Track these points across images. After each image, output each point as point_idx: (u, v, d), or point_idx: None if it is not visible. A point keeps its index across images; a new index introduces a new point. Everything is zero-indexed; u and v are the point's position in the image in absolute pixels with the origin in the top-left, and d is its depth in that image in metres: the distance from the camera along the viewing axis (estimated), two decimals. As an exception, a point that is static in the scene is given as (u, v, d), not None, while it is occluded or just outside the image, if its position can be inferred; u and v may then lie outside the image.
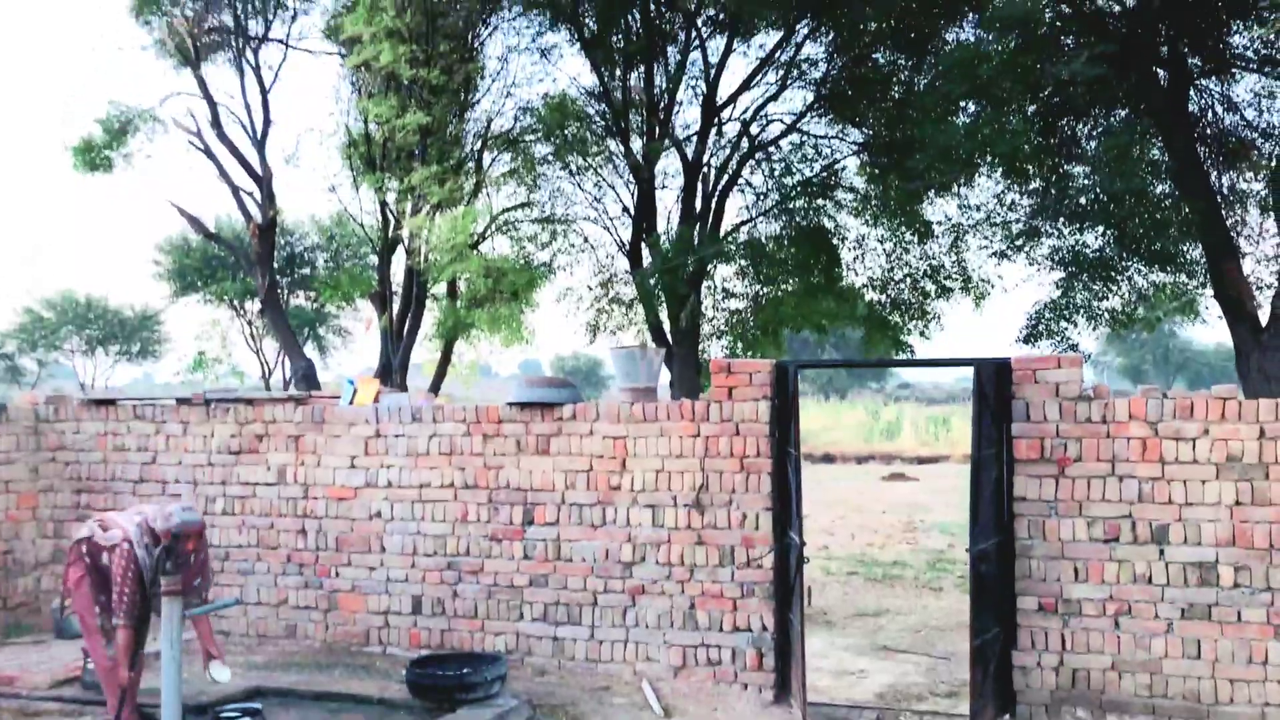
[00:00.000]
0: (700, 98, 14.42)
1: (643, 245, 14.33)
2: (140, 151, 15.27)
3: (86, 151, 15.02)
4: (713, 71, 14.18)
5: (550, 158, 14.51)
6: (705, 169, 14.34)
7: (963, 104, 12.14)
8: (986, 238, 14.08)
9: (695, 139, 14.26)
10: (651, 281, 13.41)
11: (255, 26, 15.16)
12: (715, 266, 14.59)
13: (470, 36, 14.23)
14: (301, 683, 7.39)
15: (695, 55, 14.17)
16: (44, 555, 9.23)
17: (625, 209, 14.88)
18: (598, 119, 14.45)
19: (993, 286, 14.80)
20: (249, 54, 15.14)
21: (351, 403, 8.72)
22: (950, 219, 14.57)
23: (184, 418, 9.03)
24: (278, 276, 19.62)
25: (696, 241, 13.57)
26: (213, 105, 14.97)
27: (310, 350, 26.71)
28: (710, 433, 7.52)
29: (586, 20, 14.11)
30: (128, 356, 40.58)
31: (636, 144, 14.15)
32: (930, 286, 14.84)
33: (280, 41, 15.27)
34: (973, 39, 12.53)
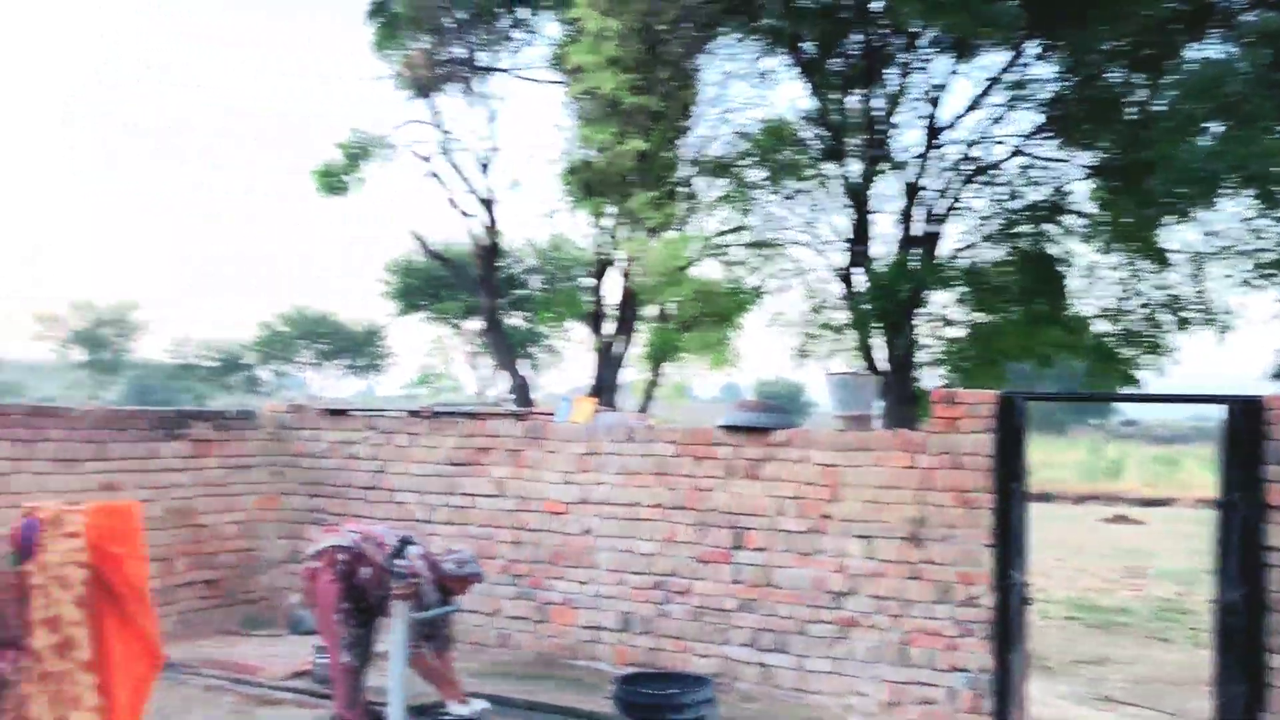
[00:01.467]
0: (921, 120, 14.11)
1: (857, 270, 14.12)
2: (374, 176, 16.25)
3: (327, 175, 16.10)
4: (935, 93, 13.86)
5: (764, 182, 14.51)
6: (924, 192, 14.00)
7: (1206, 124, 11.40)
8: (1231, 266, 13.13)
9: (915, 162, 13.96)
10: (865, 307, 13.19)
11: (484, 58, 15.89)
12: (932, 293, 14.20)
13: (689, 63, 14.44)
14: (513, 691, 7.58)
15: (916, 77, 13.89)
16: (282, 554, 9.85)
17: (839, 234, 14.71)
18: (814, 142, 14.36)
19: (1238, 319, 13.78)
20: (477, 84, 15.87)
21: (568, 420, 8.94)
22: (1190, 246, 13.67)
23: (412, 429, 9.48)
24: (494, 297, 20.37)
25: (914, 267, 13.25)
26: (443, 133, 15.77)
27: (522, 368, 27.63)
28: (928, 464, 7.29)
29: (805, 44, 14.06)
30: (354, 370, 43.09)
31: (853, 167, 13.97)
32: (1167, 318, 13.95)
33: (506, 71, 15.95)
34: (1217, 55, 11.76)
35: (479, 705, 6.69)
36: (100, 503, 3.42)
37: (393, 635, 6.06)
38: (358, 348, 41.57)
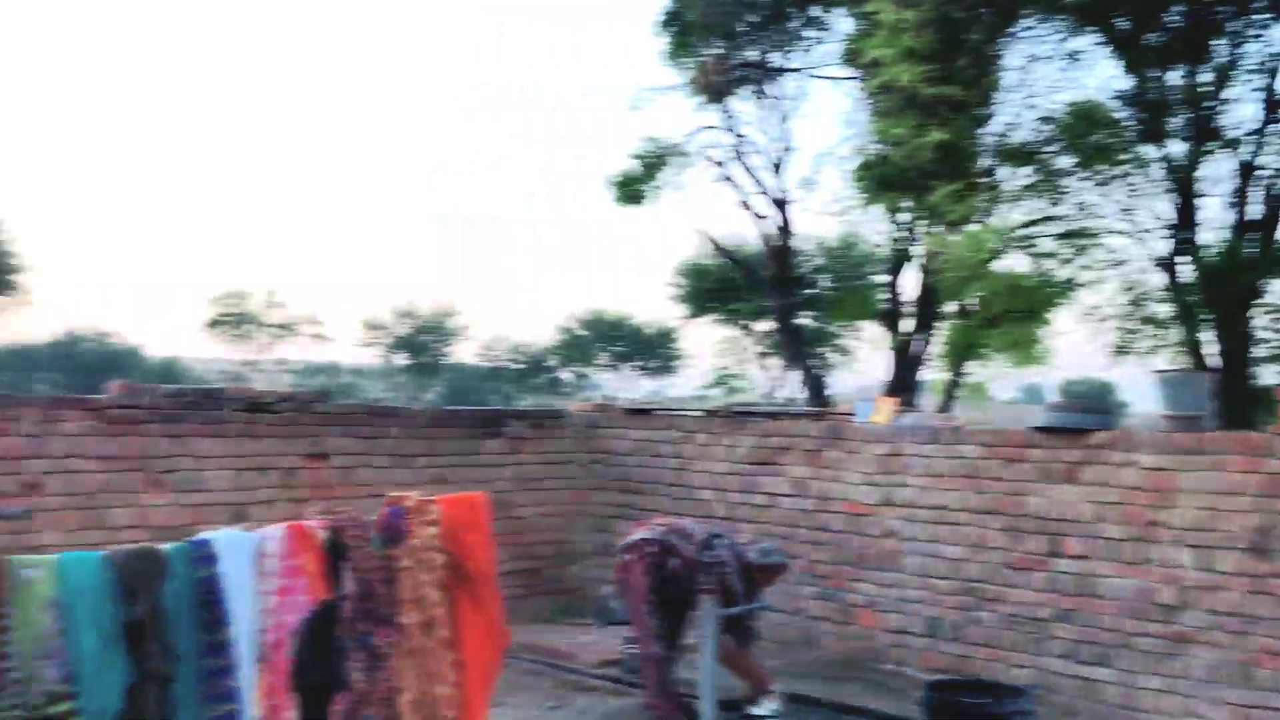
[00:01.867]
0: (1257, 93, 12.84)
1: (1182, 259, 13.05)
2: (669, 183, 16.68)
3: (626, 185, 16.69)
4: (1274, 63, 12.58)
5: (1074, 168, 13.68)
6: (1262, 172, 12.74)
7: None
8: None
9: (1250, 139, 12.73)
10: (1193, 299, 12.16)
11: (776, 59, 15.96)
12: (1272, 282, 12.90)
13: (989, 49, 13.87)
14: (819, 692, 7.57)
15: (1251, 46, 12.66)
16: (592, 547, 10.31)
17: (1161, 220, 13.64)
18: (1130, 124, 13.40)
19: None
20: (770, 86, 15.97)
21: (869, 421, 8.82)
22: None
23: (711, 428, 9.68)
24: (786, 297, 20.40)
25: (1250, 253, 12.09)
26: (737, 136, 15.98)
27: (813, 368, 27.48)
28: (1274, 468, 6.64)
29: (1118, 20, 13.15)
30: (647, 371, 44.35)
31: (1176, 148, 12.93)
32: None
33: (799, 71, 15.96)
34: None
35: (774, 705, 6.73)
36: (454, 494, 3.73)
37: (703, 628, 6.21)
38: (650, 350, 42.78)
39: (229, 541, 3.25)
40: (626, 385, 43.15)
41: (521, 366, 43.64)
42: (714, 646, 6.13)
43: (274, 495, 8.58)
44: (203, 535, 3.25)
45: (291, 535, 3.33)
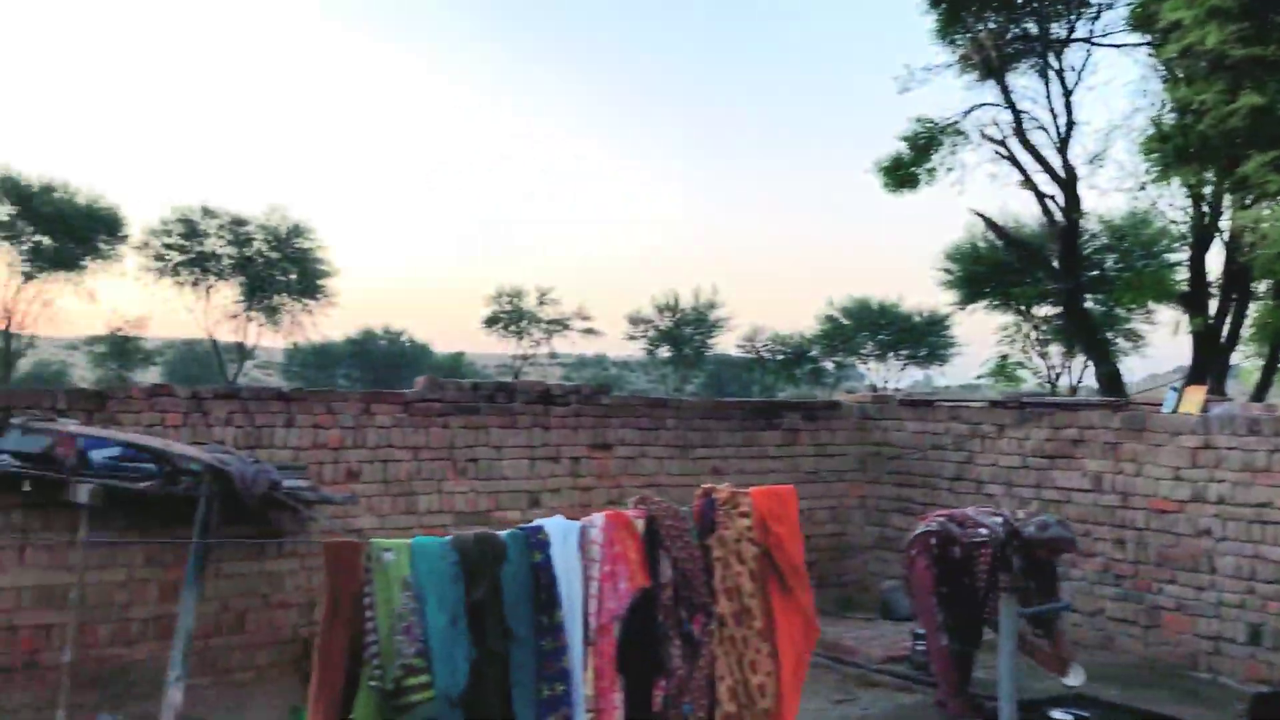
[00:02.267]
0: None
1: None
2: (942, 164, 16.11)
3: (895, 170, 16.26)
4: None
5: None
6: None
7: None
8: None
9: None
10: None
11: (1058, 30, 15.10)
12: None
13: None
14: (1120, 698, 7.12)
15: None
16: (870, 541, 10.16)
17: None
18: None
19: None
20: (1051, 58, 15.12)
21: (1175, 410, 8.21)
22: None
23: (997, 420, 9.30)
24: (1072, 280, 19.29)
25: None
26: (1015, 113, 15.23)
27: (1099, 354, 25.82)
28: None
29: None
30: (914, 360, 43.09)
31: None
32: None
33: (1084, 40, 15.01)
34: None
35: (1082, 674, 6.41)
36: (765, 486, 3.77)
37: (1000, 626, 5.97)
38: (918, 338, 41.54)
39: (558, 528, 3.41)
40: (893, 375, 42.13)
41: (783, 357, 43.46)
42: (1012, 645, 5.88)
43: (562, 484, 8.97)
44: (536, 522, 3.43)
45: (612, 523, 3.47)
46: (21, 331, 29.07)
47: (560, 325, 38.64)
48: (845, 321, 41.43)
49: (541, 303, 38.77)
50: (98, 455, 6.57)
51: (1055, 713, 6.41)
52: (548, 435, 8.96)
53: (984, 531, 6.39)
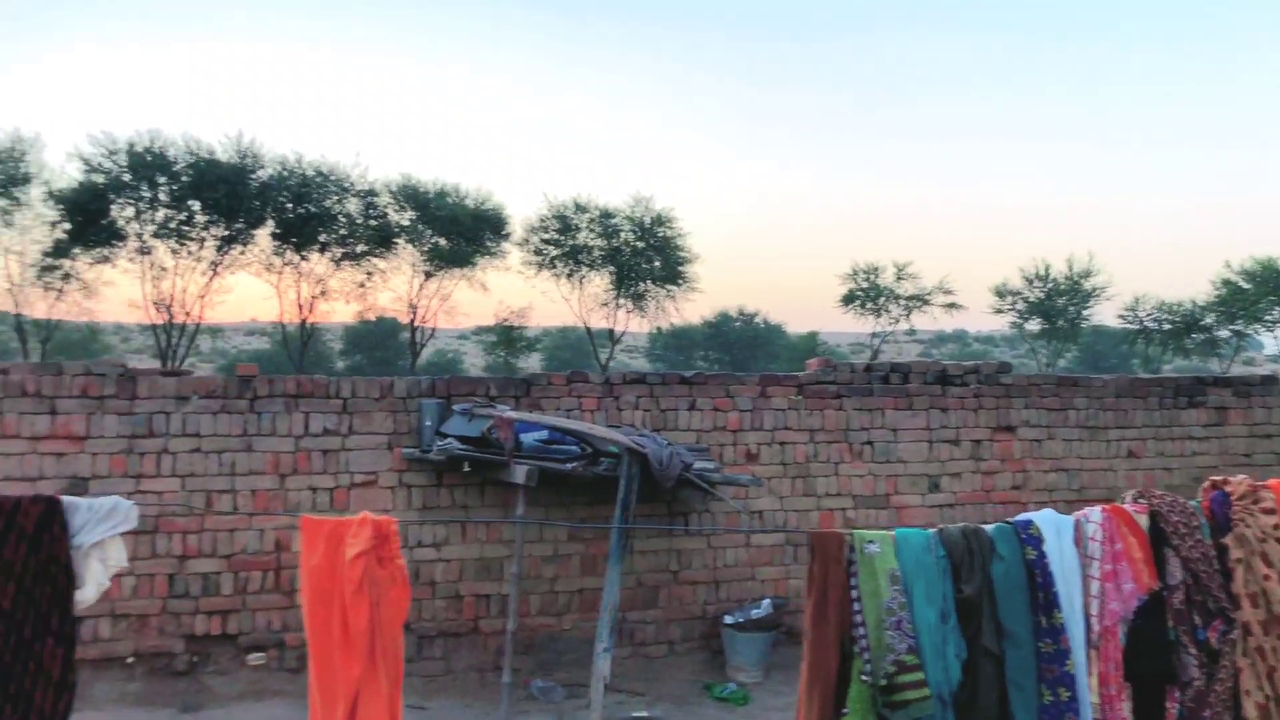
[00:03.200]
0: None
1: None
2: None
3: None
4: None
5: None
6: None
7: None
8: None
9: None
10: None
11: None
12: None
13: None
14: None
15: None
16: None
17: None
18: None
19: None
20: None
21: None
22: None
23: None
24: None
25: None
26: None
27: None
28: None
29: None
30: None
31: None
32: None
33: None
34: None
35: None
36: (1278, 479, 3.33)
37: None
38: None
39: (1050, 523, 3.19)
40: (1301, 344, 37.30)
41: (1171, 327, 39.75)
42: None
43: (964, 468, 8.62)
44: (1024, 516, 3.23)
45: (1111, 518, 3.19)
46: (424, 325, 32.18)
47: (920, 301, 37.40)
48: (1245, 286, 37.19)
49: (899, 278, 37.72)
50: (528, 438, 7.04)
51: None
52: (945, 417, 8.64)
53: None
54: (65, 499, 3.05)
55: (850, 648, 3.02)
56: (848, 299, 39.28)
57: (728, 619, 7.77)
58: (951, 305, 36.92)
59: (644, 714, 6.93)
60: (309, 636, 3.16)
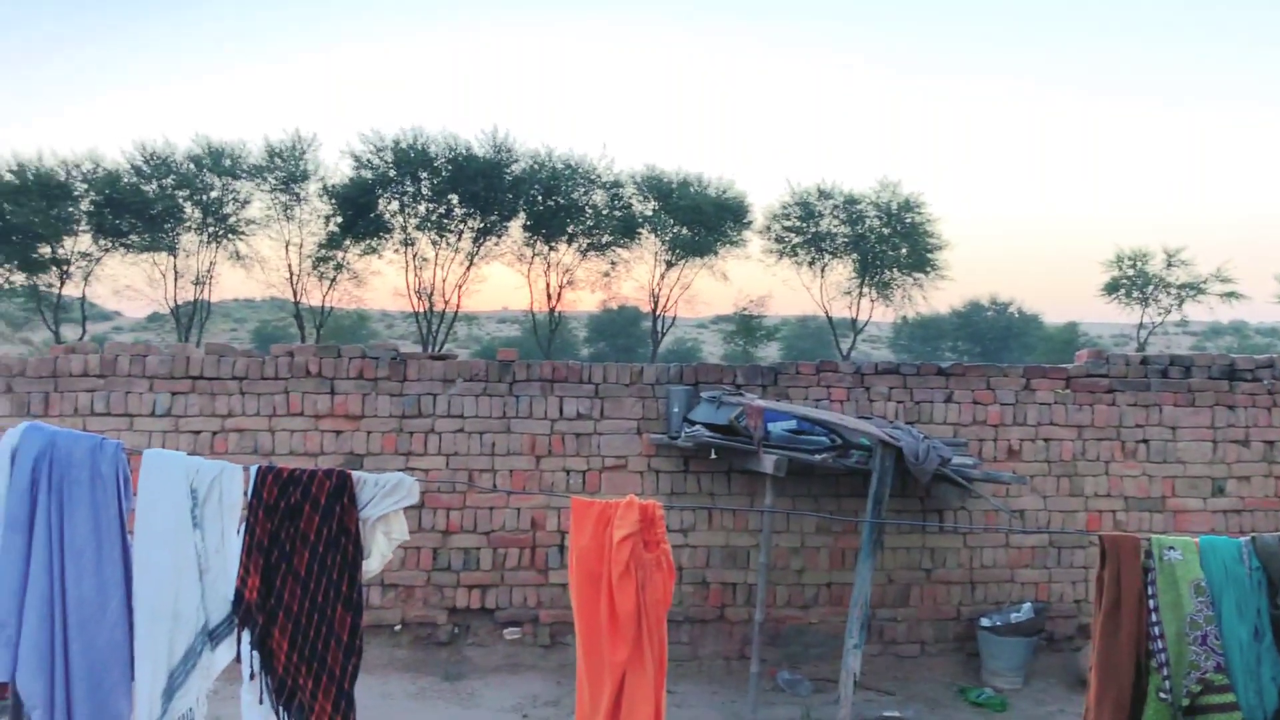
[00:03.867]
0: None
1: None
2: None
3: None
4: None
5: None
6: None
7: None
8: None
9: None
10: None
11: None
12: None
13: None
14: None
15: None
16: None
17: None
18: None
19: None
20: None
21: None
22: None
23: None
24: None
25: None
26: None
27: None
28: None
29: None
30: None
31: None
32: None
33: None
34: None
35: None
36: None
37: None
38: None
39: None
40: None
41: None
42: None
43: (1253, 470, 7.89)
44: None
45: None
46: (664, 314, 32.65)
47: (1194, 289, 34.66)
48: None
49: (1170, 264, 35.06)
50: (775, 427, 6.95)
51: None
52: (1233, 415, 7.92)
53: None
54: (355, 473, 3.24)
55: (1145, 662, 2.77)
56: (1111, 287, 36.91)
57: (984, 621, 7.43)
58: (1230, 295, 34.04)
59: (895, 714, 6.72)
60: (577, 617, 3.21)
